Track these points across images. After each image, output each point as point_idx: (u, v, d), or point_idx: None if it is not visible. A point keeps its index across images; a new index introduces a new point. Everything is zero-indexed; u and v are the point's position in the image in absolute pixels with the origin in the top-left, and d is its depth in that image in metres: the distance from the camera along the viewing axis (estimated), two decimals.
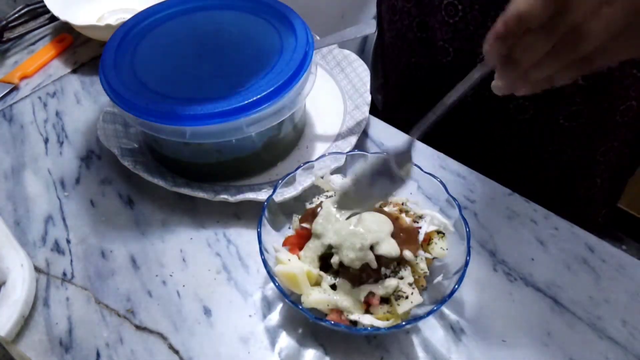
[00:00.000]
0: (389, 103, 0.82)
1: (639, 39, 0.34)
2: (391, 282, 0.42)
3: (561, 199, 0.69)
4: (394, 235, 0.44)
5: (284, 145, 0.59)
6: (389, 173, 0.43)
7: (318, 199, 0.49)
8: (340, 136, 0.60)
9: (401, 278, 0.43)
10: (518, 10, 0.33)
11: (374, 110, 0.64)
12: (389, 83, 0.79)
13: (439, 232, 0.46)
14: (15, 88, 0.71)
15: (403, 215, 0.47)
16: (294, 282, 0.43)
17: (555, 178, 0.69)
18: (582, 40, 0.33)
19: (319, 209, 0.46)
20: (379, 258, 0.43)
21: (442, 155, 0.59)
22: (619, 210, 1.45)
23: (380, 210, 0.46)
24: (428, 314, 0.40)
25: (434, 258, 0.46)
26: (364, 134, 0.61)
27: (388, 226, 0.44)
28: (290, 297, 0.43)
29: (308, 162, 0.51)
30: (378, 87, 0.81)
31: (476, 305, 0.47)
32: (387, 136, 0.62)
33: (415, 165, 0.49)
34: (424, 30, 0.65)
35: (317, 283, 0.44)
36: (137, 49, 0.56)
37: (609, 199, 0.75)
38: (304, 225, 0.46)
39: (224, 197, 0.53)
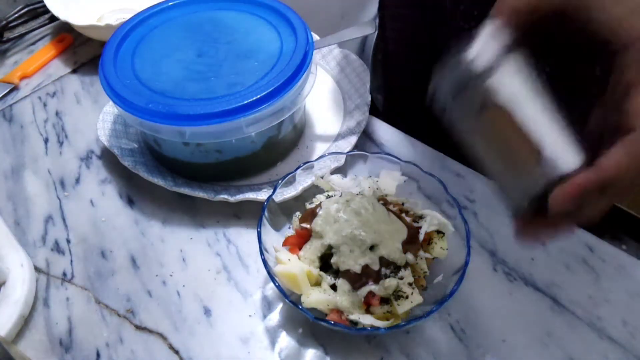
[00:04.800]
0: (389, 103, 0.82)
1: None
2: (391, 282, 0.42)
3: None
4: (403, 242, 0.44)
5: (284, 145, 0.59)
6: None
7: (318, 199, 0.49)
8: (340, 136, 0.60)
9: (401, 278, 0.43)
10: (609, 175, 0.29)
11: (374, 110, 0.64)
12: (392, 86, 0.79)
13: (439, 232, 0.46)
14: (15, 88, 0.71)
15: (403, 215, 0.47)
16: (294, 282, 0.43)
17: None
18: None
19: (319, 209, 0.46)
20: (379, 259, 0.43)
21: (442, 155, 0.59)
22: (619, 210, 1.45)
23: (400, 217, 0.46)
24: (428, 314, 0.40)
25: (434, 258, 0.46)
26: (364, 134, 0.61)
27: (401, 234, 0.44)
28: (290, 297, 0.43)
29: (308, 162, 0.51)
30: (378, 87, 0.80)
31: (476, 305, 0.47)
32: (387, 136, 0.62)
33: (415, 165, 0.49)
34: (432, 38, 0.64)
35: (317, 283, 0.44)
36: (137, 49, 0.56)
37: None
38: (304, 225, 0.46)
39: (224, 197, 0.53)
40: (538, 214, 0.31)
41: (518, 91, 0.31)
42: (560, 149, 0.30)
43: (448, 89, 0.32)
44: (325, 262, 0.44)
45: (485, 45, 0.31)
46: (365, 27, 0.58)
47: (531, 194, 0.30)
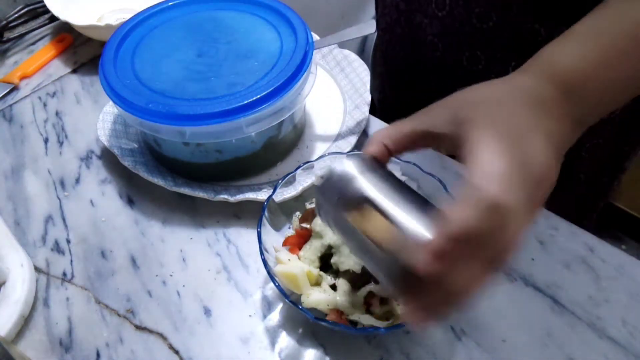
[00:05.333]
0: (385, 100, 0.82)
1: None
2: None
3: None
4: None
5: (284, 145, 0.59)
6: None
7: None
8: (340, 136, 0.60)
9: None
10: (456, 225, 0.29)
11: (374, 110, 0.64)
12: (389, 84, 0.79)
13: None
14: (15, 88, 0.71)
15: None
16: (294, 282, 0.43)
17: None
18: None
19: None
20: None
21: (442, 155, 0.59)
22: (618, 210, 1.46)
23: None
24: None
25: None
26: (364, 134, 0.61)
27: None
28: (290, 297, 0.43)
29: (308, 162, 0.51)
30: (377, 86, 0.81)
31: (476, 305, 0.47)
32: None
33: (415, 165, 0.49)
34: (410, 27, 0.65)
35: (317, 283, 0.44)
36: (137, 49, 0.56)
37: (598, 196, 0.75)
38: (304, 225, 0.46)
39: (224, 197, 0.53)
40: (421, 293, 0.32)
41: (377, 187, 0.35)
42: (414, 226, 0.32)
43: (328, 202, 0.37)
44: (325, 262, 0.44)
45: (353, 161, 0.36)
46: (365, 27, 0.58)
47: (396, 269, 0.32)
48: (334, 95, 0.65)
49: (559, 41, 0.38)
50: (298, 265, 0.43)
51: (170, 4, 0.61)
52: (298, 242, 0.46)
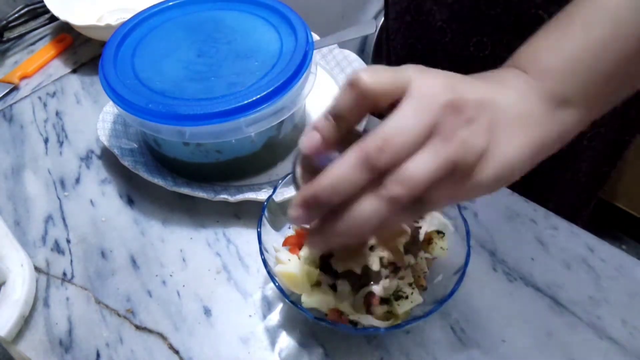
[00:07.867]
0: None
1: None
2: (391, 282, 0.42)
3: (548, 185, 0.69)
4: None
5: (284, 145, 0.59)
6: None
7: None
8: None
9: (401, 278, 0.43)
10: (333, 180, 0.29)
11: None
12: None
13: (439, 232, 0.46)
14: (15, 88, 0.71)
15: None
16: (294, 282, 0.43)
17: (542, 163, 0.69)
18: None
19: None
20: (379, 259, 0.42)
21: None
22: (619, 210, 1.46)
23: None
24: (428, 314, 0.40)
25: (434, 258, 0.46)
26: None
27: (403, 237, 0.44)
28: (290, 297, 0.43)
29: None
30: None
31: (476, 305, 0.47)
32: None
33: None
34: (420, 13, 0.66)
35: (317, 283, 0.44)
36: (137, 49, 0.56)
37: (593, 188, 0.75)
38: (304, 225, 0.46)
39: (224, 197, 0.53)
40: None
41: None
42: None
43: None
44: (325, 262, 0.44)
45: None
46: (365, 27, 0.58)
47: None
48: (334, 95, 0.65)
49: (536, 36, 0.37)
50: (298, 265, 0.43)
51: (170, 4, 0.61)
52: (298, 242, 0.46)
